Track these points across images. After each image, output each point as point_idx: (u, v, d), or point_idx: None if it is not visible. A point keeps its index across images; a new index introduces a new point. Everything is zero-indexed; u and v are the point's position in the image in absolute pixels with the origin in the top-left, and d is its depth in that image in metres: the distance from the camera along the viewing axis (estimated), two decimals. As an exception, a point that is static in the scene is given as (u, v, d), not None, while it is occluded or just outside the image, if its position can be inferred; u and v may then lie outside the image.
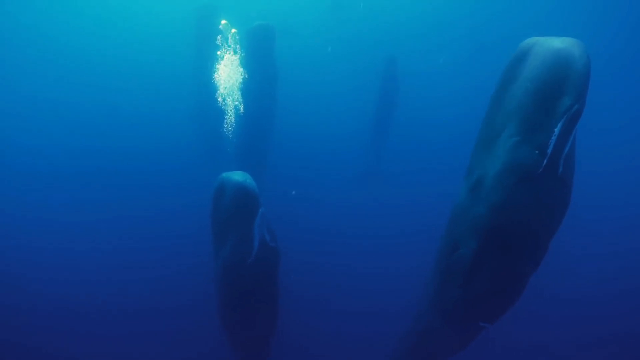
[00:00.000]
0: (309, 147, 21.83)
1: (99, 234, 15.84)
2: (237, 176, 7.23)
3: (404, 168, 20.54)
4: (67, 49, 26.79)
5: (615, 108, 22.82)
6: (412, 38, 28.02)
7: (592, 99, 5.81)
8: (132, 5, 27.44)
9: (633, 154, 20.10)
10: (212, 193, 7.56)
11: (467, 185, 6.08)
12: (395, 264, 13.70)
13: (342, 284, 13.37)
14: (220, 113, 14.36)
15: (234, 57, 13.72)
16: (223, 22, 14.22)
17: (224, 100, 13.98)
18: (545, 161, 5.09)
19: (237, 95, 13.87)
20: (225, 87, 13.77)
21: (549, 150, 5.05)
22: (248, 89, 13.90)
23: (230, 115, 14.16)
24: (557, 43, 5.12)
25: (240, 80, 13.75)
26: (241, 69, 13.71)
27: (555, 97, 5.00)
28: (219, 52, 13.77)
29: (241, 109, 13.93)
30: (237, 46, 13.79)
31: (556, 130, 4.98)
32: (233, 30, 13.84)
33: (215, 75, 13.87)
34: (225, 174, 7.42)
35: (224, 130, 14.38)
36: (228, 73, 13.69)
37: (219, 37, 13.77)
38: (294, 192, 6.74)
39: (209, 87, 14.45)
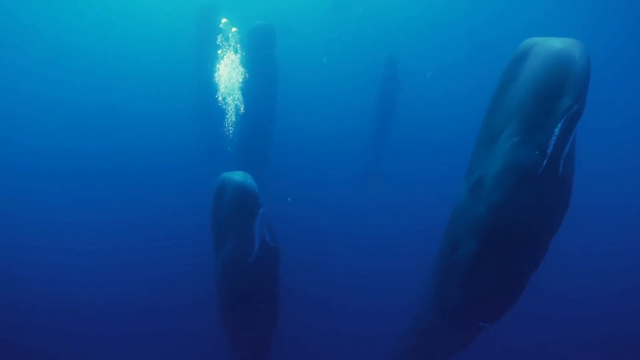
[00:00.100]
0: (309, 147, 21.83)
1: (98, 234, 15.84)
2: (238, 176, 7.24)
3: (404, 168, 20.55)
4: (68, 49, 26.81)
5: (615, 108, 22.82)
6: (412, 38, 28.03)
7: (592, 99, 5.82)
8: (133, 5, 27.46)
9: (633, 154, 20.11)
10: (213, 193, 7.57)
11: (467, 186, 6.09)
12: (395, 264, 13.70)
13: (342, 284, 13.37)
14: (220, 113, 14.37)
15: (234, 57, 13.73)
16: (223, 20, 14.24)
17: (224, 100, 13.99)
18: (545, 161, 5.09)
19: (238, 95, 13.88)
20: (226, 87, 13.78)
21: (549, 151, 5.05)
22: (248, 88, 13.91)
23: (231, 115, 14.17)
24: (557, 43, 5.12)
25: (241, 80, 13.75)
26: (242, 69, 13.72)
27: (555, 98, 5.01)
28: (219, 52, 13.78)
29: (241, 108, 13.94)
30: (238, 46, 13.80)
31: (556, 130, 4.99)
32: (233, 29, 13.85)
33: (216, 75, 13.88)
34: (225, 174, 7.42)
35: (224, 130, 14.39)
36: (228, 72, 13.69)
37: (219, 36, 13.78)
38: (289, 199, 6.75)
39: (209, 87, 14.46)
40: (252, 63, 13.90)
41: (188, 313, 12.03)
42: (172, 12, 24.51)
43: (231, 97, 14.00)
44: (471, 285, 5.97)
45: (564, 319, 12.41)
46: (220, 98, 14.04)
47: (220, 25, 14.22)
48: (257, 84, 13.93)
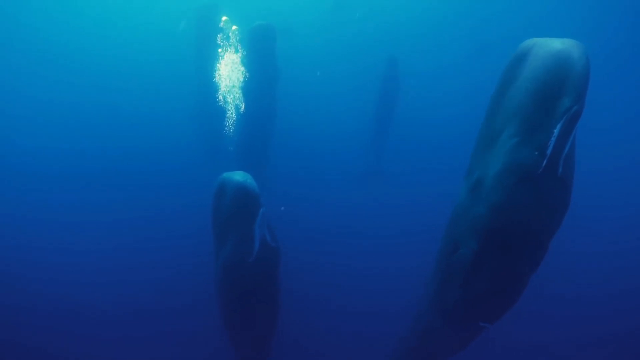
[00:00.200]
0: (309, 147, 21.83)
1: (99, 234, 15.85)
2: (238, 176, 7.25)
3: (404, 168, 20.56)
4: (68, 49, 26.80)
5: (615, 108, 22.83)
6: (412, 38, 28.04)
7: (592, 100, 5.83)
8: (133, 5, 27.47)
9: (632, 154, 20.12)
10: (213, 193, 7.58)
11: (467, 186, 6.10)
12: (395, 264, 13.71)
13: (342, 284, 13.38)
14: (221, 112, 14.38)
15: (234, 56, 13.75)
16: (224, 18, 14.25)
17: (224, 99, 14.01)
18: (544, 162, 5.10)
19: (238, 94, 13.89)
20: (226, 86, 13.80)
21: (549, 151, 5.06)
22: (249, 88, 13.92)
23: (231, 115, 14.19)
24: (556, 44, 5.13)
25: (241, 80, 13.77)
26: (242, 68, 13.74)
27: (555, 98, 5.02)
28: (219, 50, 13.79)
29: (242, 108, 13.95)
30: (238, 45, 13.82)
31: (556, 130, 5.00)
32: (234, 28, 13.86)
33: (216, 74, 13.89)
34: (225, 174, 7.44)
35: (225, 129, 14.41)
36: (229, 72, 13.71)
37: (219, 35, 13.80)
38: (282, 208, 6.79)
39: (210, 87, 14.47)
40: (252, 63, 13.92)
41: (188, 313, 12.04)
42: (173, 12, 24.50)
43: (231, 97, 14.02)
44: (471, 285, 5.98)
45: (564, 318, 12.42)
46: (220, 98, 14.06)
47: (221, 24, 14.24)
48: (258, 84, 13.95)
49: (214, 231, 7.71)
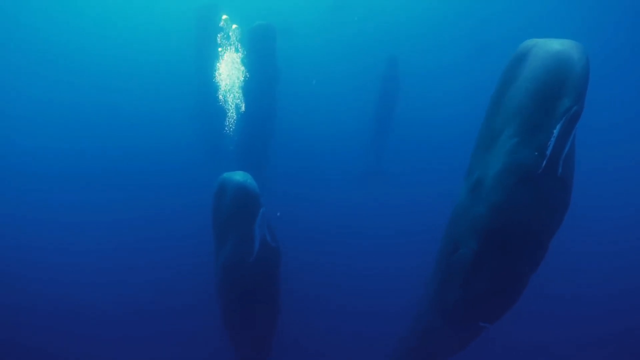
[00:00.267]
0: (309, 147, 21.84)
1: (99, 234, 15.86)
2: (238, 176, 7.26)
3: (405, 168, 20.57)
4: (68, 49, 26.81)
5: (615, 109, 22.84)
6: (412, 38, 28.05)
7: (592, 100, 5.84)
8: (134, 5, 27.47)
9: (632, 153, 20.13)
10: (213, 193, 7.59)
11: (467, 186, 6.11)
12: (395, 264, 13.72)
13: (342, 284, 13.39)
14: (221, 112, 14.39)
15: (235, 55, 13.75)
16: (224, 17, 14.25)
17: (224, 99, 14.01)
18: (544, 162, 5.11)
19: (238, 94, 13.90)
20: (226, 85, 13.80)
21: (549, 151, 5.07)
22: (249, 88, 13.92)
23: (231, 115, 14.19)
24: (556, 45, 5.14)
25: (242, 79, 13.78)
26: (242, 68, 13.74)
27: (555, 99, 5.03)
28: (220, 49, 13.79)
29: (242, 108, 13.95)
30: (238, 45, 13.82)
31: (555, 131, 5.01)
32: (234, 26, 13.86)
33: (216, 74, 13.89)
34: (226, 174, 7.44)
35: (225, 129, 14.41)
36: (229, 71, 13.71)
37: (220, 34, 13.80)
38: (278, 214, 6.81)
39: (210, 87, 14.47)
40: (252, 63, 13.93)
41: (188, 313, 12.05)
42: (174, 12, 24.51)
43: (231, 97, 14.02)
44: (471, 285, 5.99)
45: (563, 318, 12.42)
46: (220, 98, 14.06)
47: (221, 23, 14.24)
48: (258, 84, 13.95)
49: (214, 231, 7.72)
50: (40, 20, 26.80)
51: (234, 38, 13.92)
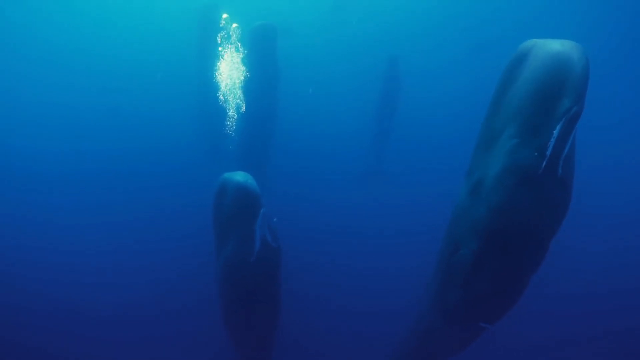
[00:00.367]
0: (310, 147, 21.84)
1: (100, 234, 15.87)
2: (239, 176, 7.28)
3: (405, 168, 20.56)
4: (70, 49, 26.81)
5: (615, 109, 22.83)
6: (413, 38, 28.03)
7: (592, 101, 5.85)
8: (134, 5, 27.47)
9: (632, 154, 20.13)
10: (214, 193, 7.61)
11: (467, 186, 6.12)
12: (395, 264, 13.73)
13: (342, 284, 13.40)
14: (222, 112, 14.38)
15: (235, 55, 13.76)
16: (224, 15, 14.25)
17: (225, 99, 14.01)
18: (544, 163, 5.12)
19: (239, 94, 13.90)
20: (227, 85, 13.80)
21: (549, 152, 5.08)
22: (250, 88, 13.92)
23: (232, 115, 14.19)
24: (556, 45, 5.14)
25: (242, 79, 13.78)
26: (243, 68, 13.74)
27: (555, 99, 5.04)
28: (220, 49, 13.79)
29: (243, 108, 13.96)
30: (239, 44, 13.82)
31: (555, 131, 5.02)
32: (234, 25, 13.86)
33: (217, 74, 13.89)
34: (226, 174, 7.47)
35: (226, 129, 14.41)
36: (230, 71, 13.72)
37: (221, 34, 13.79)
38: (275, 219, 6.84)
39: (211, 87, 14.47)
40: (253, 63, 13.93)
41: (189, 313, 12.06)
42: (174, 12, 24.53)
43: (232, 96, 14.03)
44: (472, 285, 6.00)
45: (563, 318, 12.43)
46: (221, 98, 14.07)
47: (221, 22, 14.24)
48: (259, 84, 13.95)
49: (215, 231, 7.74)
50: (41, 20, 26.82)
51: (235, 37, 13.93)
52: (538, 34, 5.66)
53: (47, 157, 21.50)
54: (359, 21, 28.38)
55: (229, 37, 14.04)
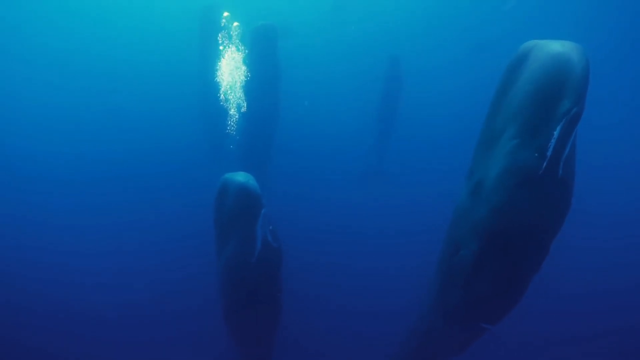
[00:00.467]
0: (311, 147, 21.85)
1: (100, 235, 15.89)
2: (240, 177, 7.29)
3: (406, 168, 20.57)
4: (70, 49, 26.83)
5: (615, 110, 22.83)
6: (414, 38, 28.03)
7: (593, 101, 5.86)
8: (135, 5, 27.48)
9: (632, 154, 20.13)
10: (215, 194, 7.63)
11: (468, 187, 6.13)
12: (396, 264, 13.74)
13: (343, 284, 13.42)
14: (223, 113, 14.39)
15: (237, 54, 13.77)
16: (225, 14, 14.25)
17: (226, 99, 14.03)
18: (545, 164, 5.12)
19: (240, 94, 13.91)
20: (228, 85, 13.81)
21: (549, 153, 5.08)
22: (251, 88, 13.93)
23: (233, 115, 14.21)
24: (556, 46, 5.14)
25: (244, 80, 13.79)
26: (244, 68, 13.75)
27: (555, 100, 5.04)
28: (221, 48, 13.80)
29: (244, 108, 13.97)
30: (240, 44, 13.83)
31: (556, 132, 5.03)
32: (235, 24, 13.87)
33: (218, 74, 13.90)
34: (227, 175, 7.48)
35: (227, 130, 14.43)
36: (231, 70, 13.73)
37: (222, 33, 13.80)
38: (271, 227, 6.87)
39: (212, 87, 14.47)
40: (254, 63, 13.93)
41: (190, 313, 12.08)
42: (175, 12, 24.53)
43: (234, 96, 14.04)
44: (472, 286, 6.00)
45: (563, 317, 12.44)
46: (222, 97, 14.08)
47: (222, 20, 14.24)
48: (260, 84, 13.96)
49: (216, 232, 7.75)
50: (41, 21, 26.84)
51: (235, 37, 13.93)
52: (539, 34, 5.68)
53: (48, 157, 21.53)
54: (359, 22, 28.35)
55: (230, 37, 14.06)
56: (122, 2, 27.23)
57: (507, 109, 5.52)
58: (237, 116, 14.19)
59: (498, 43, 20.42)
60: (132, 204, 17.47)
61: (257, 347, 8.52)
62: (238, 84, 13.89)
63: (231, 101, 14.04)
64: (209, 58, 15.01)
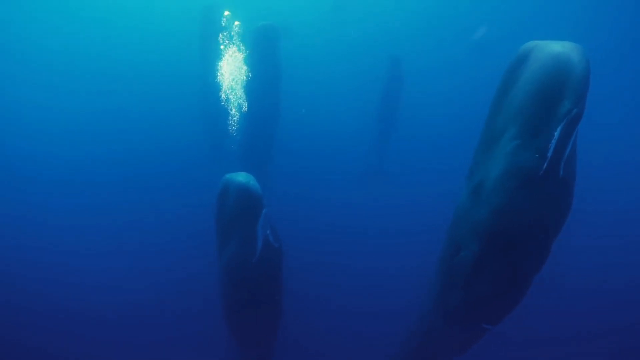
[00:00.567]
0: (312, 147, 21.84)
1: (101, 235, 15.90)
2: (241, 177, 7.30)
3: (407, 168, 20.57)
4: (70, 50, 26.83)
5: (615, 110, 22.83)
6: (415, 38, 28.02)
7: (593, 102, 5.87)
8: (136, 5, 27.47)
9: (632, 154, 20.14)
10: (216, 194, 7.64)
11: (468, 188, 6.13)
12: (397, 264, 13.74)
13: (344, 284, 13.43)
14: (224, 113, 14.39)
15: (238, 54, 13.77)
16: (226, 13, 14.24)
17: (227, 99, 14.03)
18: (545, 164, 5.13)
19: (241, 94, 13.92)
20: (229, 85, 13.81)
21: (549, 154, 5.09)
22: (252, 89, 13.93)
23: (234, 116, 14.21)
24: (556, 47, 5.15)
25: (245, 80, 13.79)
26: (245, 67, 13.75)
27: (555, 101, 5.04)
28: (222, 47, 13.80)
29: (244, 108, 13.97)
30: (241, 45, 13.83)
31: (556, 133, 5.03)
32: (236, 23, 13.87)
33: (219, 74, 13.90)
34: (229, 175, 7.49)
35: (228, 130, 14.43)
36: (232, 70, 13.73)
37: (222, 33, 13.80)
38: (268, 232, 6.90)
39: (213, 87, 14.47)
40: (255, 63, 13.93)
41: (191, 313, 12.08)
42: (175, 12, 24.53)
43: (234, 97, 14.04)
44: (473, 287, 6.01)
45: (563, 317, 12.45)
46: (223, 97, 14.08)
47: (223, 19, 14.23)
48: (261, 85, 13.96)
49: (218, 232, 7.77)
50: (41, 21, 26.85)
51: (236, 36, 13.93)
52: (539, 35, 5.69)
53: (49, 156, 21.53)
54: (359, 22, 28.34)
55: (231, 36, 14.06)
56: (123, 2, 27.23)
57: (508, 109, 5.52)
58: (237, 116, 14.19)
59: (500, 43, 20.39)
60: (133, 204, 17.47)
61: (258, 347, 8.53)
62: (239, 84, 13.90)
63: (232, 101, 14.04)
64: (210, 58, 15.01)
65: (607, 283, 13.50)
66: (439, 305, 6.90)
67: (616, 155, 19.98)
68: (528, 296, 6.23)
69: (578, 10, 23.33)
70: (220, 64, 14.05)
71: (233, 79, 13.92)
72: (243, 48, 14.00)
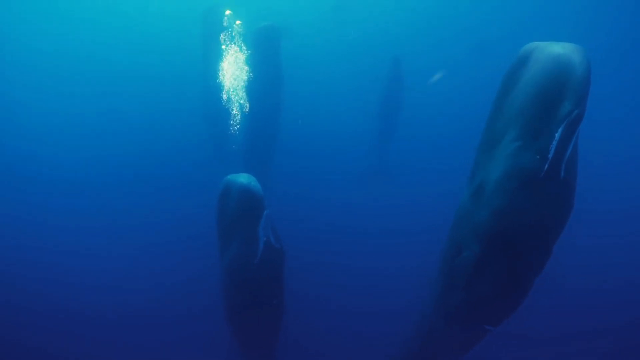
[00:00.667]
0: (313, 148, 21.84)
1: (102, 236, 15.90)
2: (242, 178, 7.31)
3: (408, 169, 20.57)
4: (71, 49, 26.85)
5: (616, 110, 22.83)
6: (416, 38, 28.02)
7: (594, 102, 5.87)
8: (137, 5, 27.48)
9: (633, 154, 20.15)
10: (218, 195, 7.65)
11: (469, 189, 6.14)
12: (398, 264, 13.75)
13: (344, 284, 13.43)
14: (225, 114, 14.40)
15: (239, 54, 13.78)
16: (227, 12, 14.25)
17: (229, 100, 14.04)
18: (546, 166, 5.13)
19: (243, 95, 13.92)
20: (231, 85, 13.82)
21: (550, 155, 5.09)
22: (254, 89, 13.94)
23: (236, 116, 14.22)
24: (557, 48, 5.14)
25: (246, 80, 13.79)
26: (247, 68, 13.75)
27: (556, 103, 5.04)
28: (223, 47, 13.81)
29: (246, 108, 13.97)
30: (242, 45, 13.83)
31: (557, 135, 5.04)
32: (237, 22, 13.87)
33: (221, 74, 13.90)
34: (230, 176, 7.50)
35: (230, 130, 14.43)
36: (234, 71, 13.73)
37: (224, 33, 13.79)
38: (265, 238, 6.91)
39: (215, 88, 14.48)
40: (257, 64, 13.94)
41: (193, 314, 12.09)
42: (176, 13, 24.54)
43: (236, 97, 14.05)
44: (474, 288, 6.02)
45: (563, 317, 12.46)
46: (225, 98, 14.08)
47: (224, 19, 14.24)
48: (262, 85, 13.96)
49: (219, 233, 7.78)
50: (42, 21, 26.86)
51: (238, 36, 13.93)
52: (540, 36, 5.69)
53: (49, 156, 21.54)
54: (360, 22, 28.33)
55: (232, 36, 14.06)
56: (124, 2, 27.25)
57: (509, 111, 5.53)
58: (239, 117, 14.20)
59: (501, 44, 20.40)
60: (134, 205, 17.47)
61: (260, 347, 8.55)
62: (240, 84, 13.90)
63: (233, 102, 14.05)
64: (212, 58, 15.00)
65: (607, 283, 13.50)
66: (440, 305, 6.90)
67: (617, 155, 19.99)
68: (529, 296, 6.23)
69: (578, 10, 23.33)
70: (222, 64, 14.05)
71: (234, 79, 13.93)
72: (244, 48, 14.00)
